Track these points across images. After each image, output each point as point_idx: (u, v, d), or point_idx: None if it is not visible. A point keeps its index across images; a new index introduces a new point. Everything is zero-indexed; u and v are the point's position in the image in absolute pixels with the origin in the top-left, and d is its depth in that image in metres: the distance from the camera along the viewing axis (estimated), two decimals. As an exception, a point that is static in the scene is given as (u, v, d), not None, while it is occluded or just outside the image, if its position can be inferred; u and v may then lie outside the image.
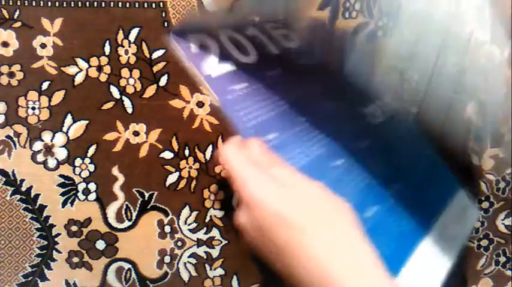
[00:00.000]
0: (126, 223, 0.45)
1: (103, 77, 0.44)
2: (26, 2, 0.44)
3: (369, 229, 0.33)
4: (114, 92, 0.45)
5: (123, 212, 0.45)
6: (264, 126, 0.34)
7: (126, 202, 0.45)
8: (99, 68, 0.44)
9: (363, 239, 0.29)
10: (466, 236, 0.43)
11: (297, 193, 0.30)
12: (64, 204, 0.45)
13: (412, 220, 0.38)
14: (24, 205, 0.44)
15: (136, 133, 0.45)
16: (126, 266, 0.45)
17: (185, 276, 0.46)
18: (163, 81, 0.45)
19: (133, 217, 0.45)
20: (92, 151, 0.45)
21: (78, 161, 0.45)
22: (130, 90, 0.45)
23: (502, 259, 0.49)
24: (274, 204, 0.30)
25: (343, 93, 0.41)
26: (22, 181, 0.44)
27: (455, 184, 0.44)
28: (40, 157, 0.44)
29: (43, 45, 0.44)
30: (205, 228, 0.46)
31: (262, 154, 0.33)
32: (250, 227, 0.31)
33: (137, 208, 0.45)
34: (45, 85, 0.44)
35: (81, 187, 0.45)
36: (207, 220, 0.46)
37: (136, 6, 0.44)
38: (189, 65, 0.33)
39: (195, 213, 0.45)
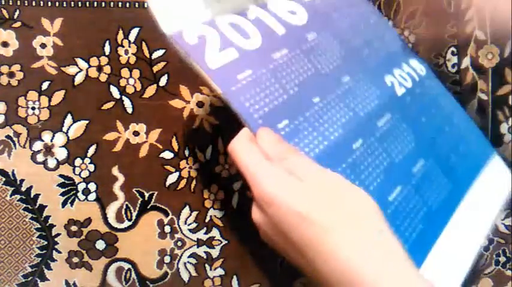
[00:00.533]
0: (126, 223, 0.45)
1: (103, 77, 0.45)
2: (26, 2, 0.44)
3: (392, 213, 0.32)
4: (114, 92, 0.45)
5: (123, 212, 0.45)
6: (272, 114, 0.32)
7: (126, 202, 0.45)
8: (99, 68, 0.44)
9: (387, 231, 0.28)
10: (501, 205, 0.40)
11: (315, 187, 0.29)
12: (64, 204, 0.45)
13: (440, 195, 0.36)
14: (24, 205, 0.44)
15: (136, 133, 0.45)
16: (126, 266, 0.45)
17: (185, 276, 0.46)
18: (163, 81, 0.45)
19: (134, 217, 0.45)
20: (92, 150, 0.45)
21: (78, 161, 0.44)
22: (130, 90, 0.45)
23: (502, 259, 0.49)
24: (291, 202, 0.28)
25: (360, 64, 0.38)
26: (22, 181, 0.44)
27: (488, 147, 0.42)
28: (40, 157, 0.44)
29: (43, 45, 0.44)
30: (205, 228, 0.46)
31: (274, 144, 0.31)
32: (266, 225, 0.30)
33: (137, 208, 0.45)
34: (45, 85, 0.44)
35: (81, 187, 0.45)
36: (207, 220, 0.46)
37: (136, 6, 0.44)
38: (189, 60, 0.32)
39: (195, 213, 0.45)
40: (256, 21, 0.35)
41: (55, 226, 0.45)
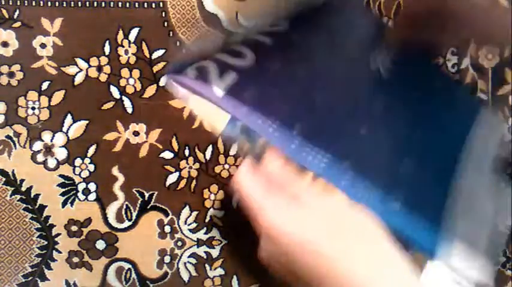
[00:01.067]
0: (126, 223, 0.45)
1: (103, 77, 0.45)
2: (26, 2, 0.44)
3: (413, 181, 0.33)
4: (114, 92, 0.45)
5: (123, 212, 0.45)
6: (285, 123, 0.32)
7: (126, 202, 0.45)
8: (99, 68, 0.44)
9: (395, 251, 0.29)
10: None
11: (322, 213, 0.29)
12: (64, 204, 0.45)
13: (446, 150, 0.37)
14: (24, 205, 0.44)
15: (136, 133, 0.45)
16: (126, 266, 0.45)
17: (185, 276, 0.46)
18: (163, 81, 0.45)
19: (134, 217, 0.45)
20: (92, 150, 0.45)
21: (78, 161, 0.45)
22: (130, 90, 0.45)
23: (502, 259, 0.49)
24: (299, 232, 0.28)
25: (344, 54, 0.39)
26: (22, 181, 0.44)
27: (473, 100, 0.43)
28: (40, 157, 0.44)
29: (43, 45, 0.44)
30: (205, 228, 0.46)
31: (279, 169, 0.31)
32: (276, 258, 0.30)
33: (137, 208, 0.45)
34: (45, 85, 0.44)
35: (81, 187, 0.45)
36: (207, 220, 0.46)
37: (136, 6, 0.44)
38: (195, 99, 0.32)
39: (195, 213, 0.45)
40: (244, 41, 0.36)
41: (55, 226, 0.45)
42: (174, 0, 0.44)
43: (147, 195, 0.45)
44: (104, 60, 0.44)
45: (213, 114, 0.32)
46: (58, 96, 0.44)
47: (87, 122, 0.44)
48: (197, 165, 0.45)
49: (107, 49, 0.44)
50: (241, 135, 0.33)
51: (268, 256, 0.30)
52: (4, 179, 0.44)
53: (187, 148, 0.45)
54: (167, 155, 0.45)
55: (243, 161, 0.33)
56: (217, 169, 0.46)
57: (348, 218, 0.29)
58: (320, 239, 0.28)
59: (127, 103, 0.45)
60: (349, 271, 0.27)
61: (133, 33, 0.44)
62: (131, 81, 0.45)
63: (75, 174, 0.45)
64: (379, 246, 0.29)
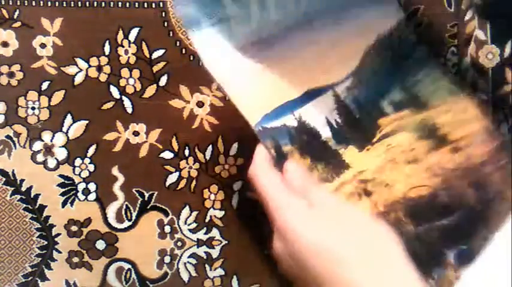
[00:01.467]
0: (126, 223, 0.45)
1: (103, 77, 0.45)
2: (26, 2, 0.44)
3: None
4: (114, 92, 0.45)
5: (123, 212, 0.45)
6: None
7: (126, 202, 0.45)
8: (99, 68, 0.44)
9: (410, 269, 0.28)
10: None
11: (336, 221, 0.30)
12: (64, 204, 0.45)
13: None
14: (24, 205, 0.44)
15: (136, 133, 0.45)
16: (126, 266, 0.45)
17: (185, 276, 0.46)
18: (163, 81, 0.45)
19: (133, 217, 0.45)
20: (92, 150, 0.45)
21: (78, 161, 0.45)
22: (130, 90, 0.45)
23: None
24: (314, 237, 0.29)
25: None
26: (22, 181, 0.44)
27: None
28: (40, 157, 0.44)
29: (43, 45, 0.44)
30: (205, 228, 0.46)
31: (299, 177, 0.32)
32: (287, 256, 0.30)
33: (137, 208, 0.45)
34: (45, 85, 0.44)
35: (81, 187, 0.45)
36: (207, 220, 0.46)
37: (136, 6, 0.44)
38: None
39: (195, 213, 0.45)
40: None
41: (55, 226, 0.45)
42: (174, 0, 0.44)
43: (147, 195, 0.45)
44: (103, 60, 0.44)
45: (249, 104, 0.32)
46: (58, 96, 0.44)
47: (87, 122, 0.44)
48: (197, 165, 0.45)
49: (107, 49, 0.44)
50: (269, 137, 0.34)
51: (280, 251, 0.30)
52: (4, 179, 0.44)
53: (187, 148, 0.45)
54: (167, 155, 0.45)
55: (256, 153, 0.33)
56: (217, 169, 0.46)
57: (366, 230, 0.30)
58: (335, 246, 0.28)
59: (127, 103, 0.45)
60: (355, 278, 0.27)
61: (133, 33, 0.44)
62: (131, 81, 0.45)
63: (75, 174, 0.45)
64: (389, 259, 0.29)
